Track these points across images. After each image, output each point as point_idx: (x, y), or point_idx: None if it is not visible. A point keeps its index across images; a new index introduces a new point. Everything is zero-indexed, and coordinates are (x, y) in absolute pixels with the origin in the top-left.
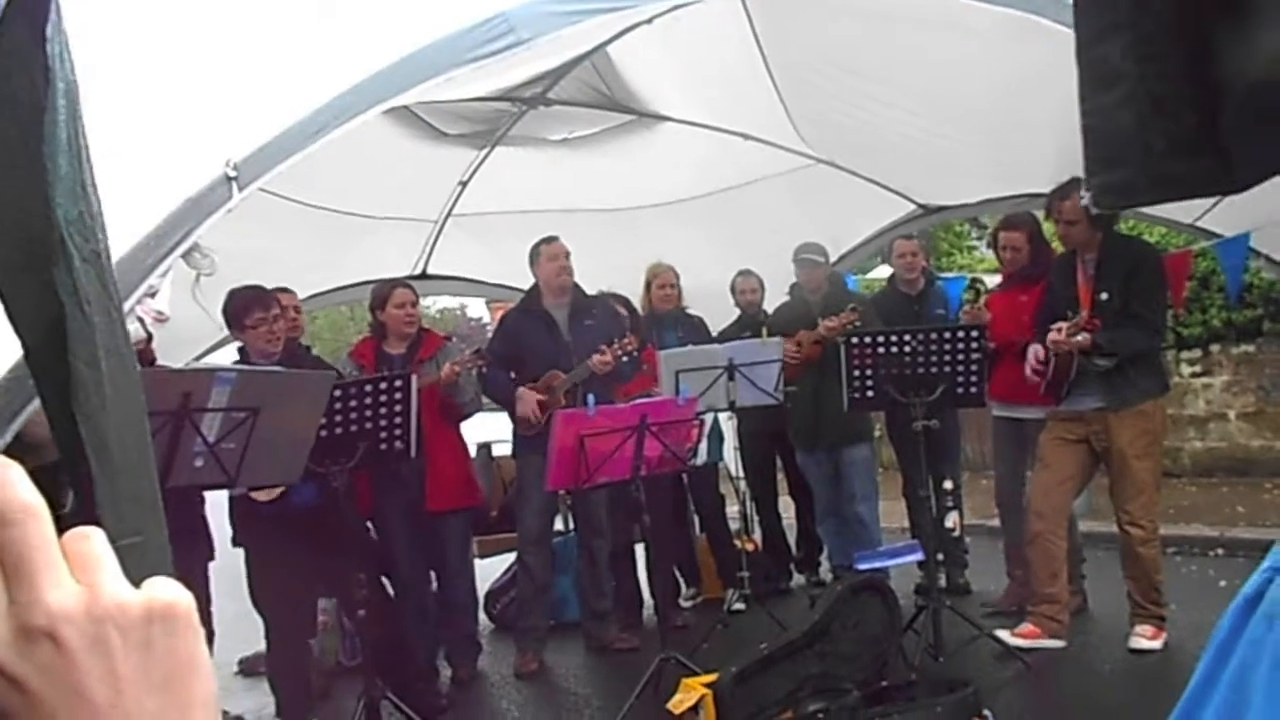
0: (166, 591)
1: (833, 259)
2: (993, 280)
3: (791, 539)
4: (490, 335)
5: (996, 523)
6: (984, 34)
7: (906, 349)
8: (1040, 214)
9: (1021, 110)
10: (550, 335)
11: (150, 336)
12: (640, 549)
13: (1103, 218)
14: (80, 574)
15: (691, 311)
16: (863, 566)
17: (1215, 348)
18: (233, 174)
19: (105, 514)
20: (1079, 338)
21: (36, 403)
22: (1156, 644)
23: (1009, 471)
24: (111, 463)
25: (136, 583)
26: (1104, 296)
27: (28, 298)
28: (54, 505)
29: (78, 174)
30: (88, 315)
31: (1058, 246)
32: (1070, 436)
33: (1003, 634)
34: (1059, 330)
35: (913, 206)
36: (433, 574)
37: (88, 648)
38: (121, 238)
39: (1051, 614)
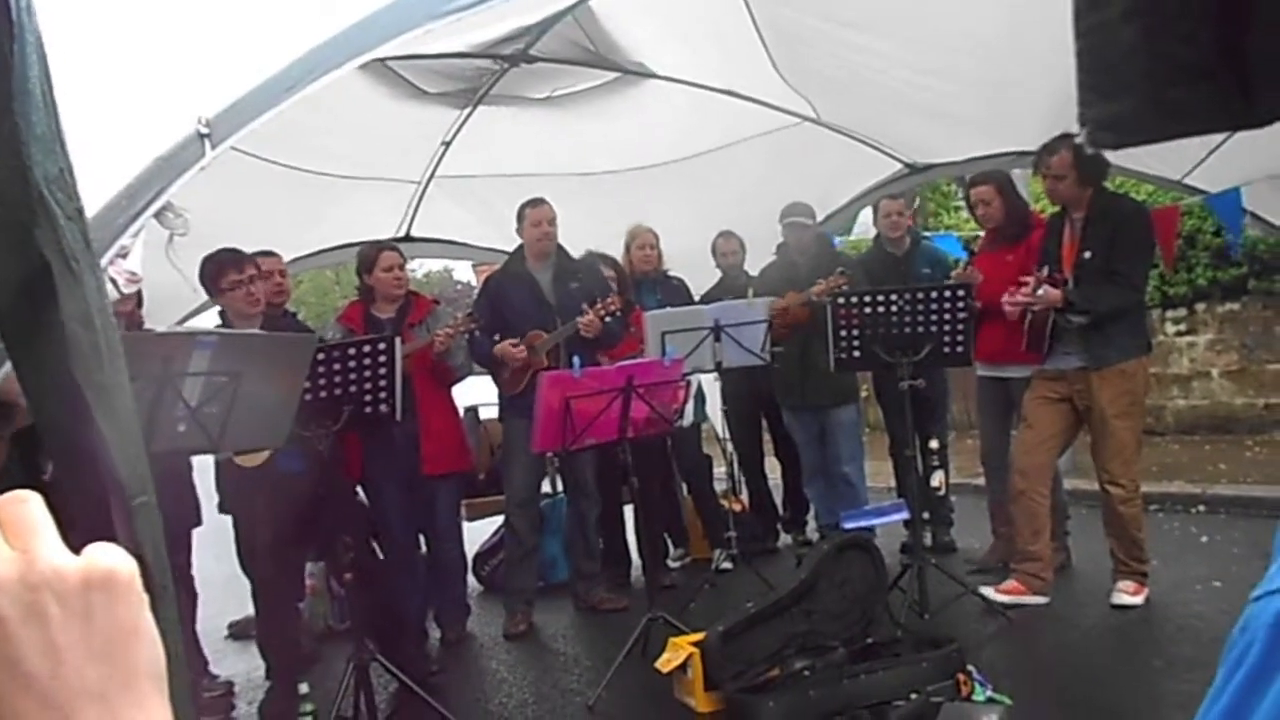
0: (106, 558)
1: (818, 219)
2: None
3: (778, 499)
4: (475, 299)
5: (981, 481)
6: None
7: (893, 309)
8: (1027, 172)
9: (1012, 64)
10: (533, 298)
11: (139, 297)
12: (628, 510)
13: (1092, 175)
14: (14, 540)
15: (672, 274)
16: (849, 526)
17: (1200, 306)
18: (205, 131)
19: (122, 472)
20: (1041, 292)
21: (7, 366)
22: (1138, 600)
23: (994, 431)
24: (119, 423)
25: (150, 541)
26: (1087, 255)
27: (1, 260)
28: (37, 471)
29: (53, 130)
30: (77, 273)
31: (1043, 206)
32: (1053, 396)
33: (987, 591)
34: (1024, 284)
35: (900, 166)
36: (421, 537)
37: (22, 617)
38: (91, 197)
39: (1034, 571)
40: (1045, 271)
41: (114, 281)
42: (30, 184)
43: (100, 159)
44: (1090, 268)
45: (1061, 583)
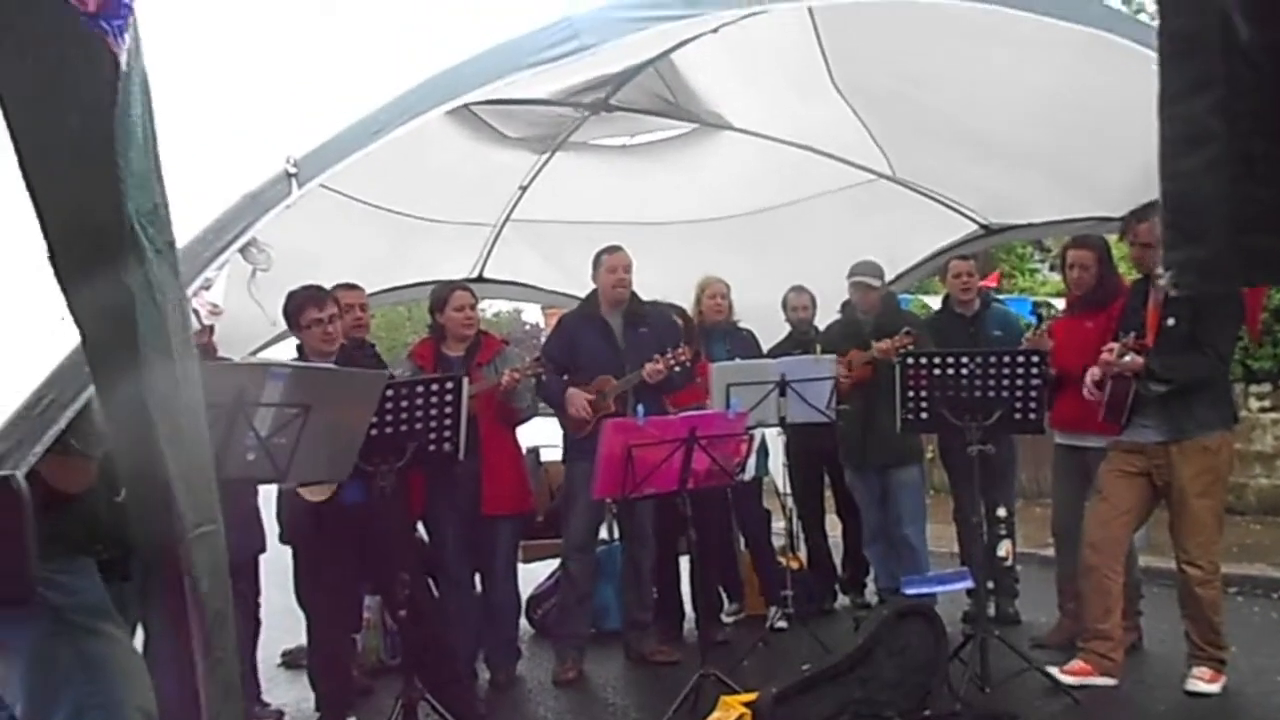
0: None
1: (889, 278)
2: (1058, 304)
3: (837, 558)
4: (544, 340)
5: (1049, 552)
6: (1057, 51)
7: (964, 371)
8: (1112, 237)
9: (1094, 131)
10: (605, 342)
11: (212, 328)
12: (684, 561)
13: None
14: None
15: (742, 325)
16: (910, 591)
17: None
18: (293, 170)
19: (183, 502)
20: (1127, 358)
21: (90, 391)
22: (1214, 687)
23: (1068, 501)
24: (186, 450)
25: (209, 570)
26: (1170, 322)
27: (89, 289)
28: (115, 492)
29: (151, 166)
30: (160, 304)
31: (1128, 272)
32: (1130, 469)
33: (1052, 669)
34: (1109, 350)
35: (975, 226)
36: (477, 577)
37: None
38: (180, 230)
39: (1104, 651)
40: (1132, 337)
41: (196, 312)
42: (123, 219)
43: (191, 193)
44: (1174, 335)
45: (1132, 665)
